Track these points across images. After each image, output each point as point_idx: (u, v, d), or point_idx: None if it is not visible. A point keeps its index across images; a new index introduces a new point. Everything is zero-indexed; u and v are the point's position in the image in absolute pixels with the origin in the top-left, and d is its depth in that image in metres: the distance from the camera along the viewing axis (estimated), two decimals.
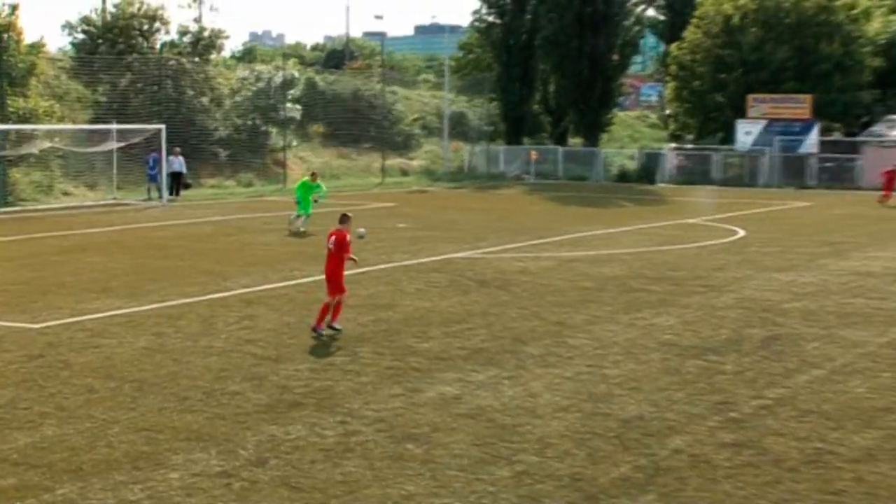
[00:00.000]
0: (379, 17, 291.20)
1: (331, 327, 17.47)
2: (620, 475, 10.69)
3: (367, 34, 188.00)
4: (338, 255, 17.69)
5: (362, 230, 19.09)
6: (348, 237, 17.82)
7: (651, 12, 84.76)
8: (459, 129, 75.72)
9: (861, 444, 11.77)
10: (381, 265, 25.44)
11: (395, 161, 68.37)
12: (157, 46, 60.48)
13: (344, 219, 18.20)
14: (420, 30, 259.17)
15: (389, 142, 69.44)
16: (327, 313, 17.61)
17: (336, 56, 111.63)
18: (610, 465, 10.97)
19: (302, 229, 32.97)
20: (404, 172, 67.03)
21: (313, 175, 35.87)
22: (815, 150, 64.26)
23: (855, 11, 69.06)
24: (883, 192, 48.19)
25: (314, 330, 17.43)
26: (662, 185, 63.45)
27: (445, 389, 13.96)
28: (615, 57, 74.49)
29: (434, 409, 13.05)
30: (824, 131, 65.02)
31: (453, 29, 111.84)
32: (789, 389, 14.11)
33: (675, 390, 14.02)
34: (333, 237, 17.79)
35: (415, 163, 70.62)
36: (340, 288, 17.65)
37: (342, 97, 70.22)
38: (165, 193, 46.34)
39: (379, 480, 10.49)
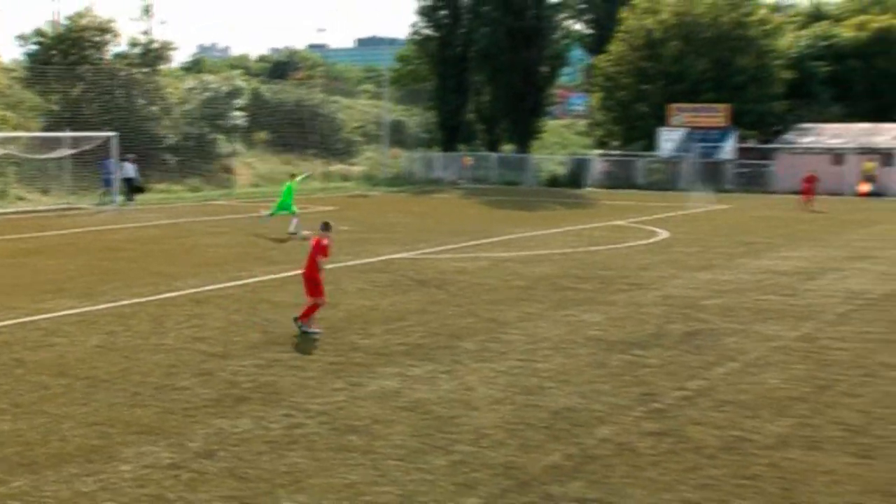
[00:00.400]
0: (322, 31, 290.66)
1: (303, 330, 17.28)
2: (551, 463, 10.72)
3: (310, 46, 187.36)
4: (315, 259, 17.59)
5: (307, 233, 18.97)
6: (325, 242, 17.68)
7: (579, 27, 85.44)
8: (398, 136, 75.77)
9: (775, 432, 11.89)
10: (325, 266, 25.30)
11: (336, 167, 68.21)
12: (109, 57, 59.91)
13: (325, 226, 18.08)
14: (361, 42, 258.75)
15: (331, 148, 69.27)
16: (315, 311, 17.50)
17: (281, 67, 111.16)
18: (541, 454, 11.00)
19: (298, 231, 32.68)
20: (345, 178, 66.90)
21: (293, 176, 35.88)
22: (731, 156, 65.12)
23: (768, 27, 70.05)
24: (803, 197, 48.57)
25: (305, 332, 17.27)
26: (590, 189, 63.86)
27: (386, 383, 13.94)
28: (545, 69, 74.95)
29: (375, 402, 13.02)
30: (740, 139, 65.75)
31: (393, 41, 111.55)
32: (708, 381, 14.23)
33: (602, 383, 14.09)
34: (313, 241, 17.80)
35: (356, 168, 70.50)
36: (318, 292, 17.51)
37: (286, 106, 69.96)
38: (118, 198, 45.87)
39: (322, 470, 10.45)
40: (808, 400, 13.29)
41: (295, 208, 33.93)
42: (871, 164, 61.14)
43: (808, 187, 48.57)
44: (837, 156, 62.56)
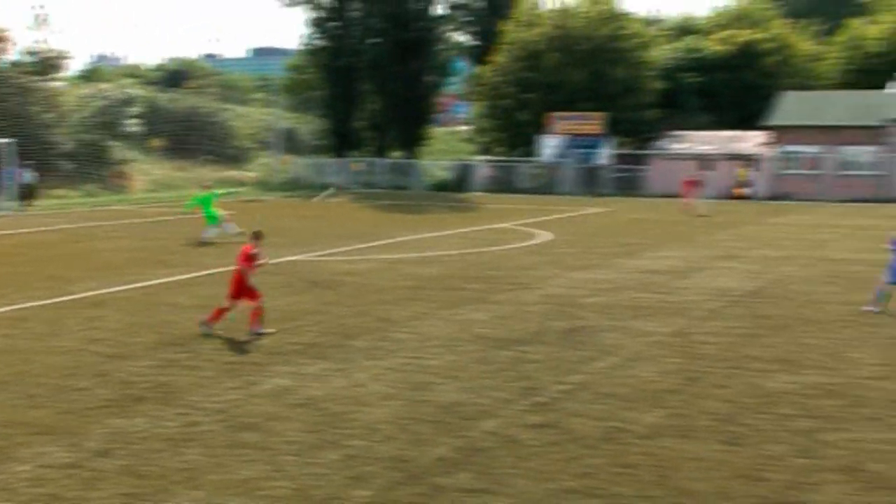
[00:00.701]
0: (216, 41, 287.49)
1: (256, 333, 17.01)
2: (439, 455, 10.74)
3: (205, 56, 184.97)
4: (242, 265, 17.31)
5: (209, 235, 18.66)
6: (251, 250, 17.38)
7: (464, 38, 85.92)
8: (291, 143, 75.34)
9: (650, 422, 12.07)
10: (221, 268, 25.04)
11: (231, 173, 67.52)
12: (2, 65, 58.50)
13: (256, 235, 17.77)
14: (256, 52, 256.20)
15: (225, 155, 68.54)
16: (221, 314, 17.22)
17: (176, 76, 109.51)
18: (430, 447, 11.02)
19: (210, 236, 32.12)
20: (240, 183, 66.29)
21: (206, 187, 35.37)
22: (608, 161, 66.08)
23: (640, 40, 71.32)
24: (684, 200, 49.21)
25: (205, 324, 17.08)
26: (475, 193, 64.20)
27: (280, 382, 13.83)
28: (431, 78, 75.30)
29: (270, 399, 12.91)
30: (616, 145, 66.74)
31: (286, 52, 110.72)
32: (588, 375, 14.39)
33: (488, 378, 14.16)
34: (242, 248, 17.53)
35: (250, 174, 69.89)
36: (243, 294, 17.22)
37: (181, 114, 69.07)
38: (14, 203, 44.78)
39: (218, 467, 10.33)
40: (681, 391, 13.53)
41: (216, 219, 33.46)
42: (744, 170, 62.61)
43: (690, 191, 49.22)
44: (707, 161, 63.92)
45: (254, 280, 17.35)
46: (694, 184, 49.64)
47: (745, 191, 59.94)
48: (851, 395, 13.33)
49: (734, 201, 56.98)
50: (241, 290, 17.24)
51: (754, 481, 10.06)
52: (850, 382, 14.06)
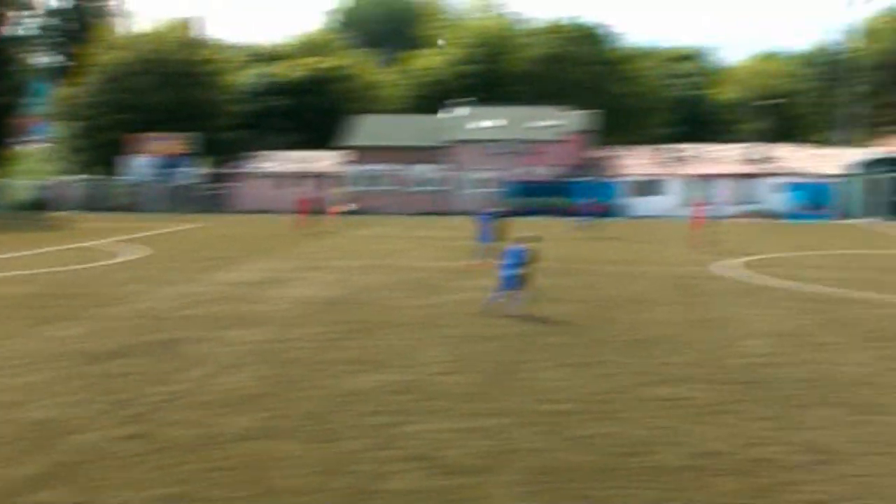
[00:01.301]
0: None
1: None
2: (31, 473, 10.12)
3: None
4: None
5: None
6: None
7: (52, 59, 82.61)
8: None
9: (242, 426, 12.01)
10: None
11: None
12: None
13: None
14: None
15: None
16: None
17: None
18: (20, 466, 10.35)
19: None
20: None
21: None
22: (196, 180, 65.78)
23: (226, 65, 71.92)
24: (300, 217, 49.41)
25: None
26: (65, 212, 61.62)
27: None
28: (7, 99, 72.17)
29: None
30: (206, 164, 66.44)
31: None
32: (182, 385, 14.11)
33: (82, 393, 13.54)
34: None
35: None
36: None
37: None
38: None
39: None
40: (271, 395, 13.56)
41: None
42: (338, 189, 64.14)
43: (305, 207, 49.56)
44: (293, 179, 64.99)
45: None
46: (308, 201, 50.30)
47: (343, 207, 61.48)
48: (424, 390, 13.92)
49: (326, 216, 58.19)
50: None
51: (340, 474, 10.26)
52: (423, 378, 14.69)
